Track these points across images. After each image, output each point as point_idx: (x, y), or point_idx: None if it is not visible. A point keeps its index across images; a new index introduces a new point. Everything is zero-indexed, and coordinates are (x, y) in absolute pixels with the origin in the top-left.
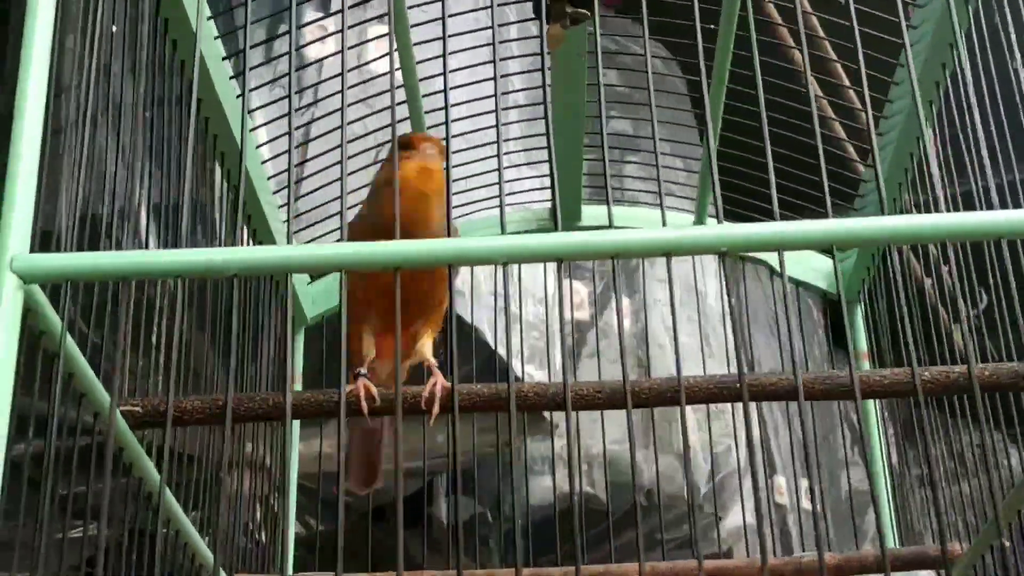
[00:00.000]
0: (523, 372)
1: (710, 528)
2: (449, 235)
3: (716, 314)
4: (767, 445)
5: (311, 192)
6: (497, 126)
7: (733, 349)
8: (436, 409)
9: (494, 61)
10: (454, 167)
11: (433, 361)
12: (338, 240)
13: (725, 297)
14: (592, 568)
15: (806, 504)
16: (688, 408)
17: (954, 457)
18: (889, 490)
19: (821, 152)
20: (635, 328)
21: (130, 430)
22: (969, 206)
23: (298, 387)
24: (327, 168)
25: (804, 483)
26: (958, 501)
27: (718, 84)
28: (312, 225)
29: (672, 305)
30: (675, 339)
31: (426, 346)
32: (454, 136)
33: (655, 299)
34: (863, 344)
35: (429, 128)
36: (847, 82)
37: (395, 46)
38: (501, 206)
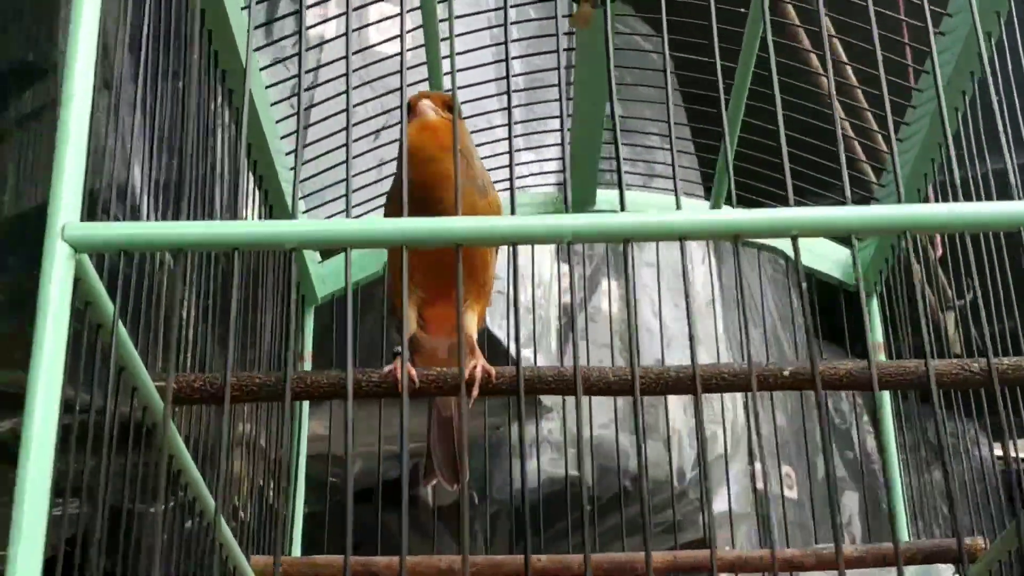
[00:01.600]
0: (518, 354)
1: (695, 513)
2: (486, 195)
3: (704, 299)
4: (749, 432)
5: (311, 177)
6: (509, 108)
7: (721, 334)
8: (476, 392)
9: (505, 43)
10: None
11: (474, 339)
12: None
13: (715, 283)
14: (611, 556)
15: (787, 491)
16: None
17: (927, 445)
18: (864, 477)
19: (841, 144)
20: (623, 313)
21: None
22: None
23: (307, 366)
24: (330, 152)
25: (785, 469)
26: (930, 489)
27: (740, 85)
28: (317, 207)
29: (686, 295)
30: (690, 334)
31: (471, 321)
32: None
33: (643, 284)
34: (879, 335)
35: None
36: (864, 103)
37: (406, 27)
38: (511, 188)
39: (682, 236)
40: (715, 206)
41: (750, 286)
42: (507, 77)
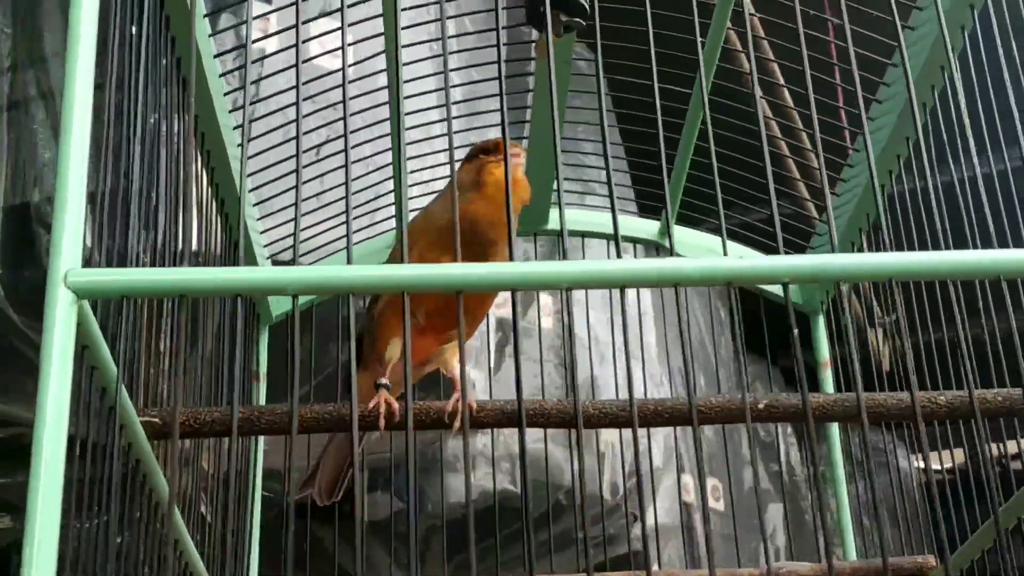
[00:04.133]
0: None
1: (626, 528)
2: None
3: (635, 315)
4: (676, 444)
5: (254, 189)
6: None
7: (653, 349)
8: (458, 424)
9: (444, 60)
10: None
11: (456, 372)
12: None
13: (649, 299)
14: None
15: (713, 504)
16: None
17: (851, 459)
18: (786, 490)
19: (774, 199)
20: (557, 327)
21: (147, 441)
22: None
23: (262, 385)
24: (271, 166)
25: (712, 482)
26: (853, 501)
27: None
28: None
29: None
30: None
31: (454, 356)
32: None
33: (577, 299)
34: (825, 354)
35: None
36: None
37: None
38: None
39: (623, 285)
40: (663, 229)
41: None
42: (448, 95)
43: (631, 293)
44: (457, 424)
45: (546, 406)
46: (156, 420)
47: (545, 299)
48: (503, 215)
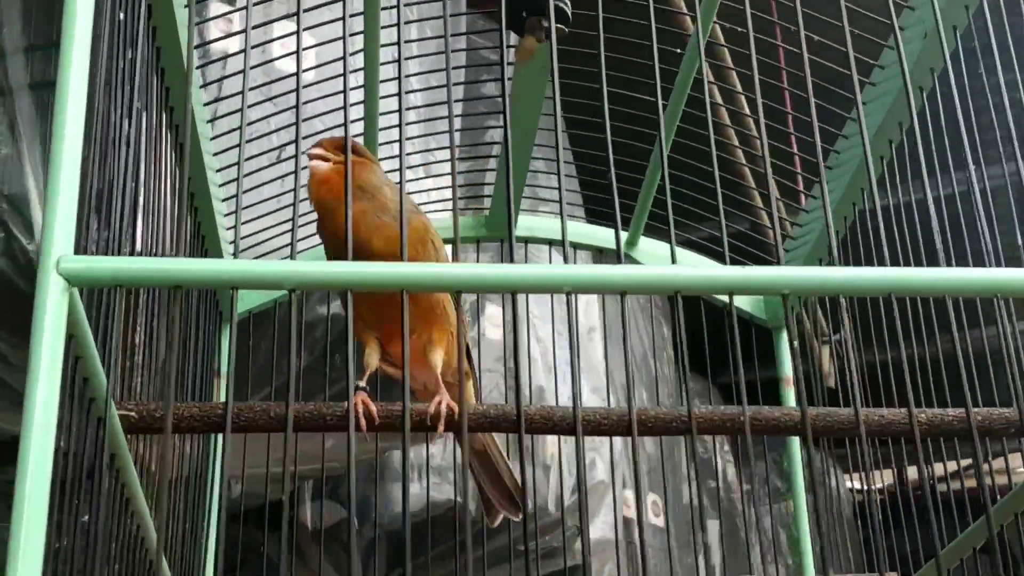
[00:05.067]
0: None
1: (572, 540)
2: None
3: (584, 327)
4: (614, 459)
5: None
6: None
7: (600, 361)
8: (441, 428)
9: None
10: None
11: (439, 375)
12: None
13: (598, 312)
14: None
15: (653, 519)
16: None
17: (782, 476)
18: (722, 507)
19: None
20: (509, 338)
21: (123, 434)
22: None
23: (224, 384)
24: (232, 166)
25: (652, 497)
26: (782, 517)
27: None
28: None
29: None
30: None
31: (436, 356)
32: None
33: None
34: (788, 370)
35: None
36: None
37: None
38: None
39: (573, 290)
40: (633, 238)
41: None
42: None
43: (581, 305)
44: (441, 427)
45: (489, 412)
46: (132, 414)
47: (492, 309)
48: (335, 218)
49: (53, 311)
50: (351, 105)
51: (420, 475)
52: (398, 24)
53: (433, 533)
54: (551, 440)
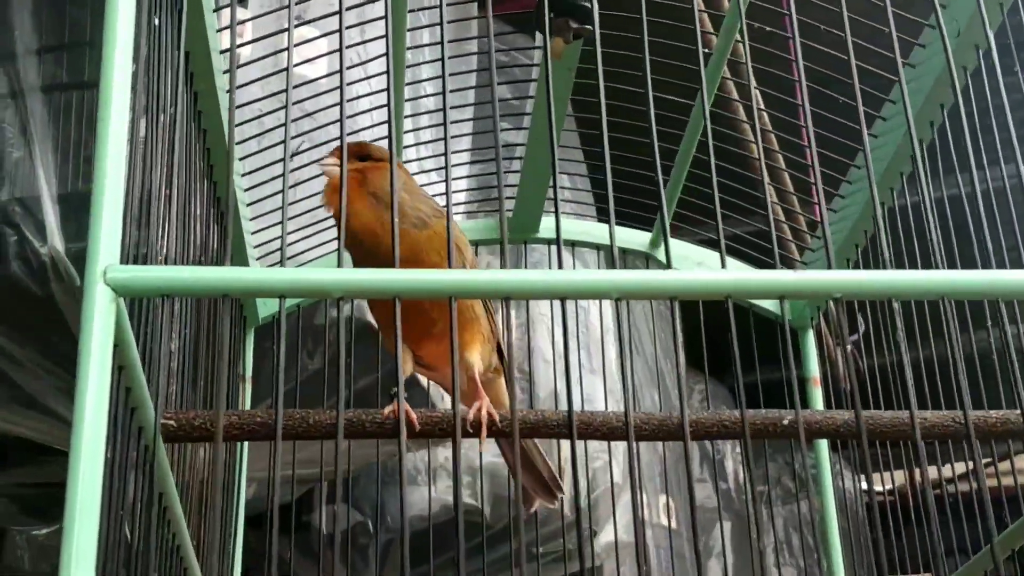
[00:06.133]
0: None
1: (584, 543)
2: (427, 227)
3: (597, 330)
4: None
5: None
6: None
7: (613, 364)
8: (484, 434)
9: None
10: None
11: (477, 378)
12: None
13: (611, 315)
14: None
15: (664, 520)
16: None
17: (795, 478)
18: (735, 509)
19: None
20: (522, 342)
21: (162, 443)
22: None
23: (248, 388)
24: (254, 171)
25: (662, 499)
26: (794, 519)
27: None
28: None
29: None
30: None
31: (473, 358)
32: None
33: (540, 313)
34: (814, 370)
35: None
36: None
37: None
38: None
39: (621, 296)
40: (656, 239)
41: (636, 321)
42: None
43: (593, 309)
44: (483, 434)
45: (529, 419)
46: (172, 422)
47: (509, 311)
48: (353, 225)
49: (101, 321)
50: (374, 109)
51: (435, 478)
52: (441, 33)
53: (447, 537)
54: (564, 443)
